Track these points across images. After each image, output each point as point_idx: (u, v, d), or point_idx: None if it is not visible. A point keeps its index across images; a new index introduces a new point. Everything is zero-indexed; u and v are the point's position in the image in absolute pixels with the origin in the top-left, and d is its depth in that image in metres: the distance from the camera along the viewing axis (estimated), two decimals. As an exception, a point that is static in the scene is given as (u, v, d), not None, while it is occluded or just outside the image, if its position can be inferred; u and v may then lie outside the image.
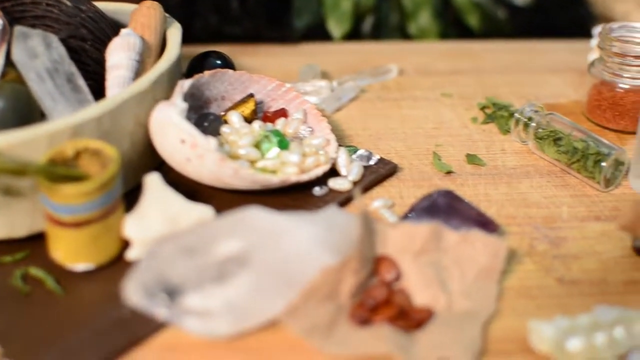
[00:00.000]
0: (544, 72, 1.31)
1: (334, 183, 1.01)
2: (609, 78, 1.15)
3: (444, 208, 0.94)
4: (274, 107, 1.10)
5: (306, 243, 0.87)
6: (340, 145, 1.07)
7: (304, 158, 1.01)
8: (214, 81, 1.07)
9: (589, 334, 0.84)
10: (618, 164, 1.05)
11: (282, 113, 1.08)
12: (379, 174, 1.04)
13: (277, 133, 1.03)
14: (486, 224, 0.95)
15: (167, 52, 1.06)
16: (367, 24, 1.46)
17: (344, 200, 1.00)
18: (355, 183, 1.02)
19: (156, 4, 1.11)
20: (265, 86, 1.10)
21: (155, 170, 0.99)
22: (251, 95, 1.07)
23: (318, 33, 1.42)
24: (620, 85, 1.14)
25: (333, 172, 1.04)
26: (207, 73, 1.06)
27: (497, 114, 1.16)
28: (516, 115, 1.11)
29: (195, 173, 0.98)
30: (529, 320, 0.85)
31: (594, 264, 0.95)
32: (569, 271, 0.93)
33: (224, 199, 0.99)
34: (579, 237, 0.98)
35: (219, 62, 1.13)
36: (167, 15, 1.13)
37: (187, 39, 1.38)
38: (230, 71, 1.08)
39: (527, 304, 0.89)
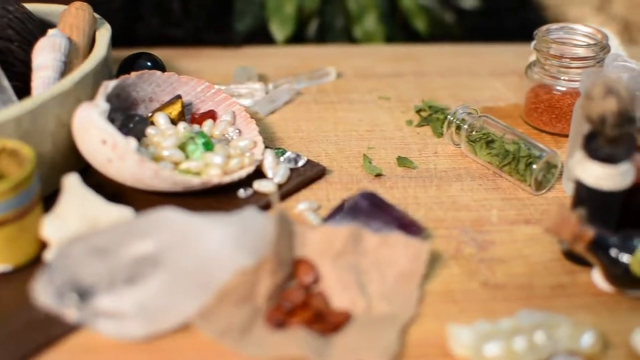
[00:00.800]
0: (486, 76, 1.30)
1: (258, 185, 1.00)
2: (545, 81, 1.14)
3: (366, 210, 0.93)
4: (203, 108, 1.08)
5: (220, 244, 0.85)
6: (267, 148, 1.05)
7: (227, 160, 0.99)
8: (141, 82, 1.05)
9: (508, 339, 0.83)
10: (550, 167, 1.04)
11: (211, 115, 1.06)
12: (306, 176, 1.03)
13: (202, 135, 1.01)
14: (409, 227, 0.93)
15: (93, 53, 1.04)
16: (312, 27, 1.45)
17: (268, 202, 0.98)
18: (280, 185, 1.01)
19: (85, 5, 1.09)
20: (194, 88, 1.08)
21: (82, 172, 0.98)
22: (178, 97, 1.05)
23: (261, 36, 1.40)
24: (557, 88, 1.13)
25: (261, 174, 1.02)
26: (133, 74, 1.04)
27: (433, 117, 1.15)
28: (449, 117, 1.09)
29: (117, 174, 0.96)
30: (449, 325, 0.84)
31: (521, 268, 0.93)
32: (495, 275, 0.92)
33: (147, 200, 0.97)
34: (507, 241, 0.97)
35: (149, 63, 1.12)
36: (97, 16, 1.12)
37: (130, 42, 1.37)
38: (158, 72, 1.06)
39: (449, 308, 0.88)
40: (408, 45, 1.43)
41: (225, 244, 0.85)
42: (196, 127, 1.04)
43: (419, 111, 1.18)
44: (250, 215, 0.89)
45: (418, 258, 0.90)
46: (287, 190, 1.01)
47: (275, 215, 0.87)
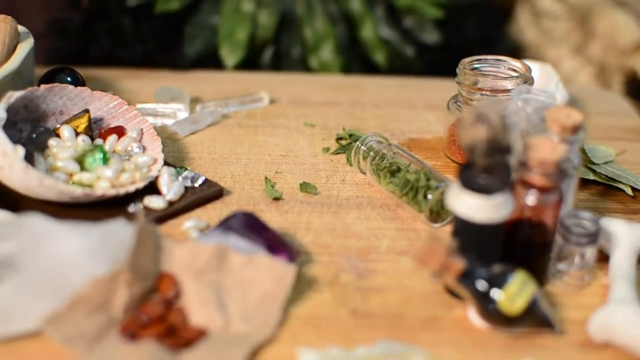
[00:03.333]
0: (422, 108, 1.28)
1: (148, 201, 1.00)
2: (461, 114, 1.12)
3: (238, 229, 0.92)
4: (114, 124, 1.09)
5: (77, 250, 0.86)
6: (167, 165, 1.05)
7: (119, 174, 1.00)
8: (51, 95, 1.06)
9: (351, 366, 0.81)
10: (450, 199, 1.01)
11: (118, 130, 1.07)
12: (200, 195, 1.02)
13: (100, 149, 1.02)
14: (281, 250, 0.92)
15: (5, 65, 1.06)
16: (267, 55, 1.45)
17: (157, 218, 0.98)
18: (172, 202, 1.01)
19: (9, 18, 1.11)
20: (107, 103, 1.09)
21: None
22: (86, 111, 1.06)
23: (212, 61, 1.41)
24: (478, 122, 1.11)
25: (157, 190, 1.02)
26: (42, 86, 1.05)
27: (351, 146, 1.14)
28: (357, 144, 1.08)
29: (8, 181, 0.97)
30: (299, 349, 0.82)
31: (397, 298, 0.91)
32: (367, 304, 0.90)
33: (43, 210, 0.97)
34: (390, 271, 0.95)
35: (69, 79, 1.13)
36: (25, 30, 1.14)
37: (83, 61, 1.39)
38: (70, 86, 1.07)
39: (310, 332, 0.86)
40: (357, 76, 1.42)
41: (82, 250, 0.86)
42: (99, 141, 1.05)
43: (339, 139, 1.17)
44: (115, 226, 0.89)
45: (283, 280, 0.89)
46: (179, 208, 1.01)
47: (135, 228, 0.86)
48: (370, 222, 1.02)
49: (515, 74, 1.12)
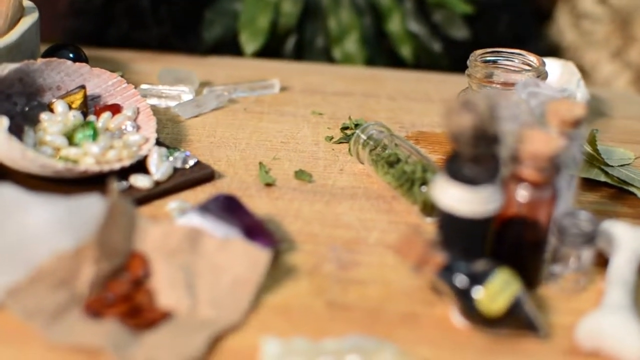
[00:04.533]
0: (439, 103, 1.24)
1: (135, 180, 0.97)
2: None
3: (215, 212, 0.89)
4: (111, 102, 1.07)
5: (44, 223, 0.84)
6: (161, 145, 1.02)
7: (105, 151, 0.97)
8: (49, 70, 1.05)
9: (312, 359, 0.77)
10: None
11: (114, 108, 1.05)
12: (189, 177, 1.00)
13: (91, 125, 1.00)
14: (260, 236, 0.88)
15: (4, 37, 1.05)
16: (290, 44, 1.42)
17: (143, 197, 0.96)
18: (159, 183, 0.98)
19: (13, -9, 1.10)
20: (105, 81, 1.07)
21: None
22: (82, 87, 1.04)
23: (231, 47, 1.38)
24: (489, 117, 1.06)
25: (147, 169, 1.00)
26: (39, 60, 1.04)
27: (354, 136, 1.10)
28: (357, 132, 1.04)
29: (-7, 153, 0.96)
30: (264, 337, 0.79)
31: (377, 292, 0.87)
32: (345, 296, 0.86)
33: (28, 184, 0.95)
34: (375, 264, 0.91)
35: (71, 55, 1.11)
36: (30, 4, 1.13)
37: (101, 42, 1.38)
38: (69, 62, 1.05)
39: (280, 322, 0.83)
40: (377, 69, 1.38)
41: (50, 222, 0.84)
42: (92, 117, 1.03)
43: (344, 129, 1.13)
44: (87, 200, 0.87)
45: (256, 267, 0.85)
46: (166, 189, 0.98)
47: (107, 203, 0.84)
48: (362, 213, 0.98)
49: (528, 68, 1.06)
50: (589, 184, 1.05)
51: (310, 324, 0.83)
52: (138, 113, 1.06)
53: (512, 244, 0.88)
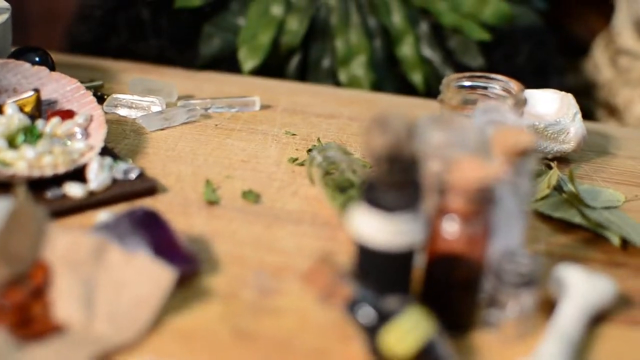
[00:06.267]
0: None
1: (69, 188, 0.93)
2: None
3: (125, 226, 0.83)
4: (67, 107, 1.04)
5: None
6: (107, 155, 0.98)
7: (40, 156, 0.94)
8: (5, 72, 1.02)
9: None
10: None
11: (67, 114, 1.02)
12: (127, 189, 0.95)
13: (34, 129, 0.97)
14: (173, 255, 0.82)
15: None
16: (293, 63, 1.36)
17: (75, 206, 0.92)
18: (93, 193, 0.94)
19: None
20: (63, 86, 1.04)
21: None
22: (36, 91, 1.01)
23: (229, 64, 1.33)
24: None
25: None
26: (-4, 61, 1.01)
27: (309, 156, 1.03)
28: (313, 153, 0.98)
29: None
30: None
31: (292, 323, 0.80)
32: (255, 325, 0.80)
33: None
34: (297, 293, 0.84)
35: (37, 59, 1.09)
36: (5, 5, 1.11)
37: (100, 52, 1.36)
38: (27, 65, 1.03)
39: (179, 347, 0.77)
40: (373, 93, 1.31)
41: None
42: (41, 122, 1.00)
43: (309, 150, 1.06)
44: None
45: (159, 286, 0.80)
46: (100, 199, 0.93)
47: (12, 208, 0.80)
48: (302, 240, 0.91)
49: (505, 95, 0.98)
50: (564, 226, 0.96)
51: (210, 351, 0.77)
52: (91, 121, 1.02)
53: (441, 282, 0.80)
